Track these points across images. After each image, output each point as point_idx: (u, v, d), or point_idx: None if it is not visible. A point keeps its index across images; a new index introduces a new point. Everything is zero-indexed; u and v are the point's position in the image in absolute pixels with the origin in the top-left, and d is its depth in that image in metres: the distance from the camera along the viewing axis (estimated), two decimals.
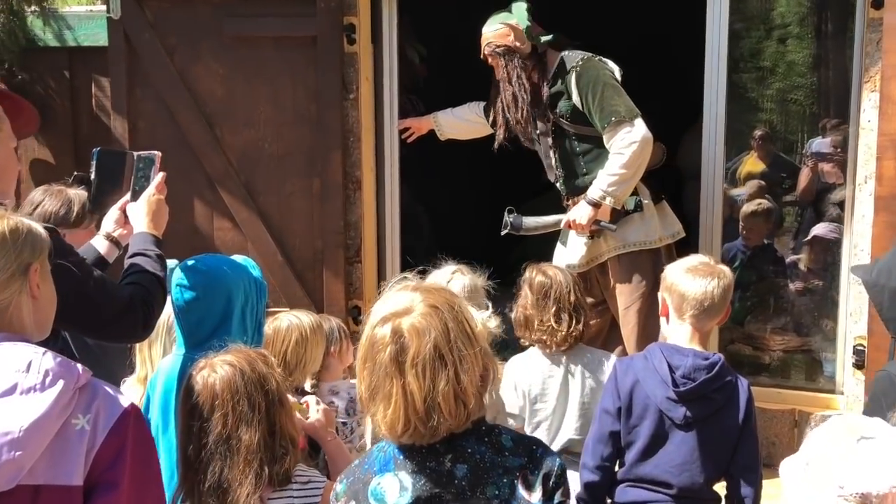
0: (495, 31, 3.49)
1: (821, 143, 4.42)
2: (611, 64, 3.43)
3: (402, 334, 1.52)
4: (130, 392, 2.39)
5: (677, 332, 2.39)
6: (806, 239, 4.15)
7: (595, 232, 3.45)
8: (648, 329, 3.32)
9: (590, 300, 3.46)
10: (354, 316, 4.41)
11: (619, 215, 3.40)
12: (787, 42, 3.99)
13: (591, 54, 3.43)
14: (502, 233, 3.61)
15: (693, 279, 2.35)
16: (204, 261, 2.18)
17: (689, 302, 2.33)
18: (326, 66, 4.18)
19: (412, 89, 5.03)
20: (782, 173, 4.24)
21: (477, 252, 6.26)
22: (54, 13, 4.76)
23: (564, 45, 3.51)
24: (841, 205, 3.89)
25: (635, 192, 3.42)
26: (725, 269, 2.40)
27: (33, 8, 4.66)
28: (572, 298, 2.80)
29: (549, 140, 3.57)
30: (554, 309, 2.79)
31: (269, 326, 2.55)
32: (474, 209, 6.45)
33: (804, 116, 4.11)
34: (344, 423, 2.91)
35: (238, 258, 2.28)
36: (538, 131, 3.59)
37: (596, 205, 3.34)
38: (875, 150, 3.37)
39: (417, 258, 5.87)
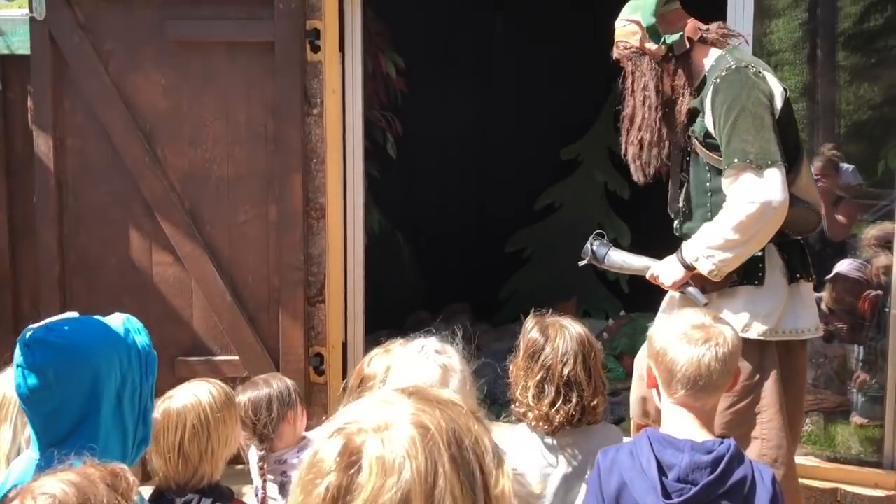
0: (623, 29, 2.66)
1: (849, 171, 3.91)
2: (771, 81, 2.47)
3: (358, 462, 0.92)
4: None
5: (669, 414, 1.84)
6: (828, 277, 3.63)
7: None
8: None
9: None
10: (316, 365, 3.83)
11: (721, 283, 2.50)
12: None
13: (750, 62, 2.52)
14: (581, 263, 2.82)
15: (683, 347, 1.80)
16: (58, 329, 1.58)
17: (678, 378, 1.79)
18: (286, 76, 3.63)
19: (388, 106, 4.46)
20: None
21: (464, 286, 5.85)
22: None
23: (723, 41, 2.61)
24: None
25: (759, 259, 2.48)
26: (727, 330, 1.84)
27: None
28: (566, 371, 2.19)
29: (681, 164, 2.71)
30: (538, 378, 2.21)
31: (159, 409, 1.97)
32: (462, 235, 5.88)
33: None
34: None
35: (116, 319, 1.68)
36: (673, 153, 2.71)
37: (688, 267, 2.50)
38: None
39: (394, 297, 5.43)
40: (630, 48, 2.63)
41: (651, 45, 2.60)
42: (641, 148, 2.64)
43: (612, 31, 2.68)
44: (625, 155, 2.71)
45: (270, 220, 3.73)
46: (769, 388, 2.47)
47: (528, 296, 5.41)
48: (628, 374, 4.16)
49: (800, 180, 2.48)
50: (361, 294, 3.90)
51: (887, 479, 3.11)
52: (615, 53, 2.69)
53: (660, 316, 2.68)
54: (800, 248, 2.56)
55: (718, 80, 2.47)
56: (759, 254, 2.45)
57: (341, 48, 3.72)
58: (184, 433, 1.99)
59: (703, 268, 2.45)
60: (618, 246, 2.72)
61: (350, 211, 3.85)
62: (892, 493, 3.04)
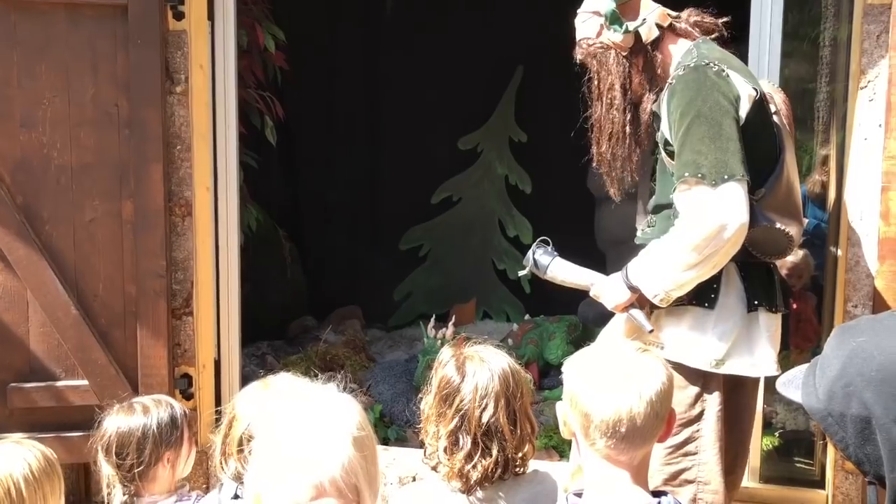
0: (584, 24, 2.27)
1: None
2: (737, 81, 2.06)
3: None
4: None
5: (592, 471, 1.44)
6: None
7: None
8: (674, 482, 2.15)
9: None
10: (183, 388, 3.26)
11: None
12: None
13: (717, 58, 2.10)
14: (521, 273, 2.42)
15: (599, 386, 1.40)
16: None
17: (595, 424, 1.39)
18: (142, 46, 3.04)
19: (266, 85, 3.91)
20: None
21: (354, 287, 5.34)
22: None
23: (692, 32, 2.23)
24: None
25: (713, 279, 2.09)
26: (655, 364, 1.44)
27: None
28: (485, 418, 1.77)
29: (651, 172, 2.34)
30: (452, 426, 1.77)
31: None
32: (351, 231, 5.37)
33: None
34: None
35: None
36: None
37: (632, 289, 2.14)
38: (880, 179, 2.55)
39: (276, 301, 4.87)
40: (593, 45, 2.24)
41: (615, 37, 2.20)
42: (614, 160, 2.25)
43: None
44: (597, 168, 2.32)
45: (125, 219, 3.13)
46: (709, 426, 2.12)
47: (424, 297, 4.98)
48: (538, 387, 3.81)
49: (775, 195, 2.10)
50: (237, 304, 3.36)
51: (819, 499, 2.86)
52: (578, 54, 2.29)
53: (601, 335, 2.29)
54: (766, 273, 2.18)
55: (674, 81, 2.10)
56: (715, 279, 2.09)
57: (210, 16, 3.17)
58: None
59: (648, 292, 2.08)
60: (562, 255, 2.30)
61: (222, 207, 3.30)
62: None
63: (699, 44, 2.18)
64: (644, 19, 2.20)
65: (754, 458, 2.87)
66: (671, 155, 2.11)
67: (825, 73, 3.13)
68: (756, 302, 2.11)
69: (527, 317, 4.41)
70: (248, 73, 3.76)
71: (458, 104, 5.03)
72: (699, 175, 1.98)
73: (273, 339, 4.43)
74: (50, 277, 3.08)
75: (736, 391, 2.20)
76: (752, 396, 2.29)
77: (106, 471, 2.12)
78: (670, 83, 2.11)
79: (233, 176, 3.30)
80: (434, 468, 1.81)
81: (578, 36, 2.28)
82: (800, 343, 3.31)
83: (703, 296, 2.10)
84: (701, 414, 2.13)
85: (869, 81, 2.64)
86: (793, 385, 1.27)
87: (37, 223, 3.09)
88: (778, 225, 2.06)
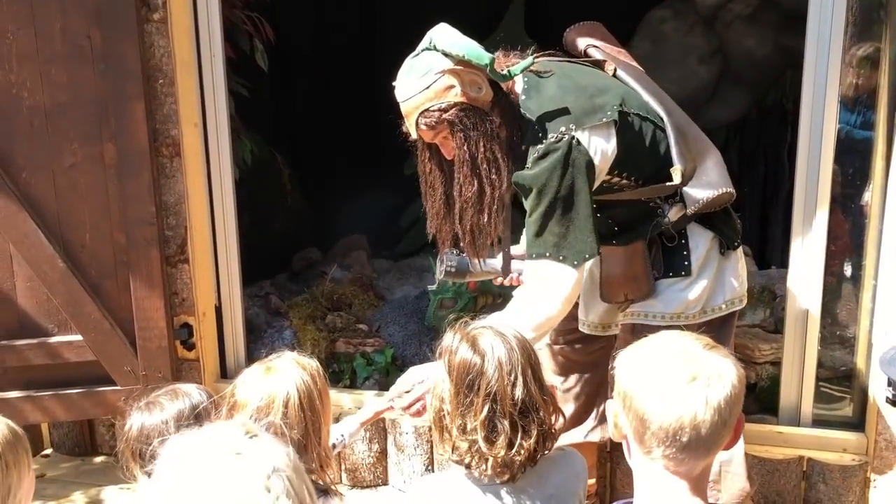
0: (430, 90, 1.93)
1: None
2: (592, 139, 1.95)
3: None
4: None
5: (644, 479, 1.26)
6: None
7: None
8: None
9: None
10: (184, 339, 3.09)
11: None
12: None
13: (548, 99, 1.98)
14: (438, 277, 2.28)
15: (659, 389, 1.19)
16: None
17: (653, 431, 1.19)
18: None
19: (255, 4, 3.58)
20: None
21: (359, 215, 5.08)
22: None
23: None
24: None
25: (685, 248, 2.12)
26: (729, 364, 1.22)
27: None
28: (518, 394, 1.57)
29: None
30: (485, 412, 1.57)
31: None
32: (353, 157, 5.10)
33: None
34: None
35: None
36: None
37: None
38: None
39: (277, 232, 4.64)
40: (452, 107, 1.92)
41: (478, 93, 1.93)
42: (489, 226, 2.00)
43: None
44: (464, 242, 2.06)
45: (108, 163, 2.89)
46: None
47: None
48: None
49: (687, 171, 2.05)
50: (235, 246, 3.14)
51: (862, 443, 2.70)
52: (423, 126, 1.96)
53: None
54: (724, 213, 2.17)
55: (529, 161, 1.95)
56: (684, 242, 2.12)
57: None
58: None
59: None
60: None
61: (213, 143, 3.05)
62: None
63: (527, 90, 2.00)
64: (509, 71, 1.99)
65: (790, 398, 2.71)
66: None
67: None
68: (727, 246, 2.15)
69: None
70: None
71: (460, 14, 4.66)
72: (560, 257, 1.94)
73: (276, 272, 4.24)
74: (32, 229, 2.86)
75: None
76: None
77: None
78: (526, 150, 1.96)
79: (222, 109, 3.03)
80: (468, 465, 1.61)
81: (421, 105, 1.94)
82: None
83: (678, 266, 2.11)
84: None
85: None
86: None
87: (12, 171, 2.85)
88: (711, 193, 2.04)
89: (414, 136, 2.01)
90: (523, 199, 2.02)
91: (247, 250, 3.20)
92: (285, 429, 1.59)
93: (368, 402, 2.67)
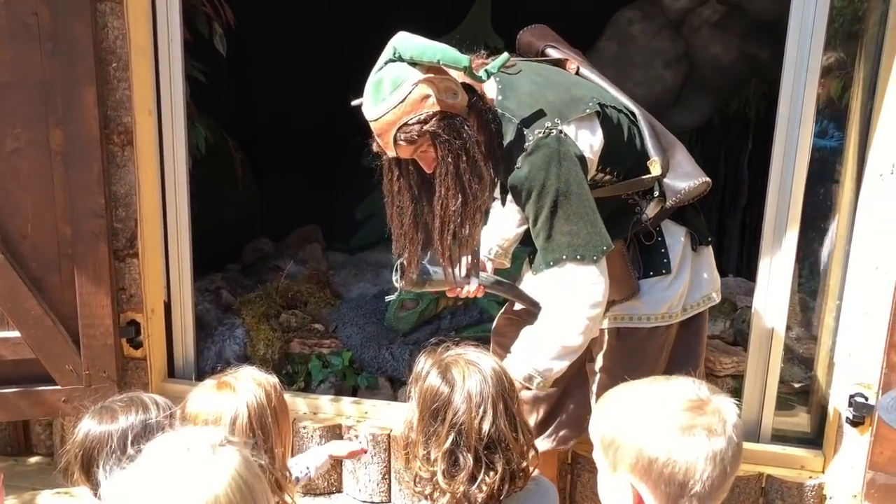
0: (398, 107, 1.80)
1: None
2: (578, 131, 1.89)
3: None
4: None
5: None
6: None
7: None
8: None
9: None
10: (130, 337, 2.95)
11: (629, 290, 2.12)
12: None
13: (548, 124, 1.87)
14: (398, 284, 2.09)
15: (689, 441, 1.17)
16: None
17: (694, 491, 1.16)
18: None
19: None
20: None
21: (316, 211, 4.95)
22: None
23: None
24: None
25: (662, 246, 2.09)
26: (723, 400, 1.21)
27: None
28: (486, 428, 1.50)
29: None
30: (448, 443, 1.50)
31: None
32: (310, 145, 4.95)
33: None
34: None
35: None
36: None
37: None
38: None
39: (228, 219, 4.48)
40: (431, 117, 1.80)
41: (454, 100, 1.82)
42: (470, 238, 1.92)
43: None
44: (443, 257, 1.95)
45: (54, 149, 2.71)
46: None
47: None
48: None
49: (665, 162, 2.04)
50: (187, 240, 3.01)
51: (819, 462, 2.72)
52: (402, 143, 1.82)
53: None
54: (693, 209, 2.17)
55: (519, 162, 1.88)
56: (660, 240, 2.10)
57: None
58: None
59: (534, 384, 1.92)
60: None
61: (167, 132, 2.90)
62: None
63: (502, 90, 1.93)
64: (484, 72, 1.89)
65: (751, 414, 2.71)
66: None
67: None
68: (699, 241, 2.15)
69: None
70: None
71: (426, 5, 4.55)
72: (578, 256, 1.86)
73: (227, 262, 4.09)
74: None
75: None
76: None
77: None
78: (526, 151, 1.87)
79: (178, 96, 2.88)
80: (429, 496, 1.54)
81: (397, 118, 1.81)
82: None
83: (658, 265, 2.09)
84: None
85: None
86: None
87: None
88: (692, 183, 2.04)
89: (392, 153, 1.88)
90: (522, 208, 1.94)
91: (196, 239, 3.05)
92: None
93: (341, 444, 2.43)
